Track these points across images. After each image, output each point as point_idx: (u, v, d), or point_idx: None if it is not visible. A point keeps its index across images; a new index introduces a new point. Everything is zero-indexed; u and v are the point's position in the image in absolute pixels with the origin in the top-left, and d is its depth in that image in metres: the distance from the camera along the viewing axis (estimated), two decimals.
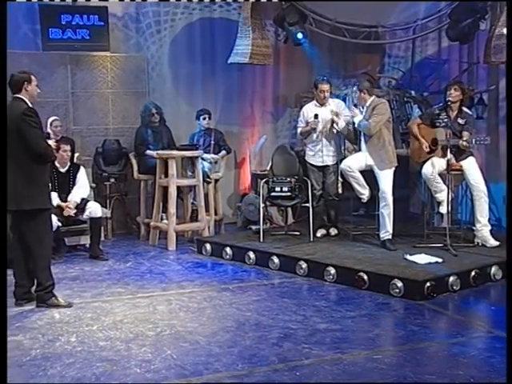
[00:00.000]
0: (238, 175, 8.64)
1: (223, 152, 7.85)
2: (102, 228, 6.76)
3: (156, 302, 4.89)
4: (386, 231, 6.07)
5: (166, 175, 6.92)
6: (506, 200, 5.27)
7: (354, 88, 6.29)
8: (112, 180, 7.53)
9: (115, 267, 6.11)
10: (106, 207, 7.20)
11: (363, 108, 6.25)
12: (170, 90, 8.21)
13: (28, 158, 4.62)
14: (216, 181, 7.72)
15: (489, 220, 6.14)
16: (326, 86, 6.56)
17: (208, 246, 6.59)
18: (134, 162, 7.52)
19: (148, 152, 7.36)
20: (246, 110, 8.67)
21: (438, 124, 6.18)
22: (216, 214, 7.66)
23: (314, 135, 6.60)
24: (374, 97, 6.27)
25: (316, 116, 6.50)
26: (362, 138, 6.24)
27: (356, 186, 6.23)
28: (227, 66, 7.95)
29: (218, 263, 6.25)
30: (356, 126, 6.24)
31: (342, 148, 6.76)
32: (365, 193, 6.23)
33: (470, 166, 6.08)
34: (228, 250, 6.38)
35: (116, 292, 5.22)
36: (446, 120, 6.08)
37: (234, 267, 6.08)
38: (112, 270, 6.01)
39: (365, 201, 6.31)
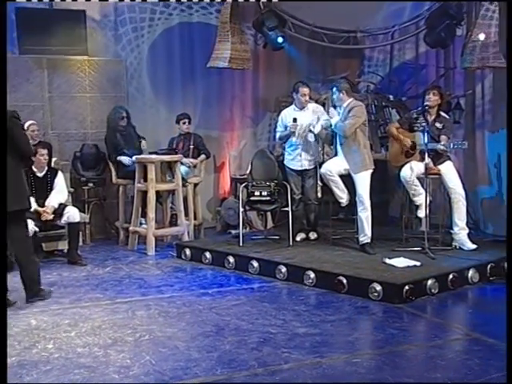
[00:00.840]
0: (217, 179, 8.64)
1: (202, 156, 7.84)
2: (80, 233, 6.72)
3: (135, 308, 4.86)
4: (365, 235, 6.10)
5: (145, 180, 6.89)
6: (506, 200, 5.33)
7: (334, 89, 6.26)
8: (90, 185, 7.49)
9: (93, 272, 6.06)
10: (84, 212, 7.15)
11: (341, 109, 6.27)
12: (149, 94, 8.19)
13: (13, 160, 4.62)
14: (195, 185, 7.71)
15: (466, 223, 6.20)
16: (306, 90, 6.58)
17: (187, 251, 6.57)
18: (112, 166, 7.47)
19: (120, 158, 7.31)
20: (226, 115, 8.67)
21: (416, 128, 6.23)
22: (195, 218, 7.64)
23: (294, 139, 6.61)
24: (352, 99, 6.29)
25: (295, 120, 6.51)
26: (338, 141, 6.26)
27: (335, 189, 6.23)
28: (206, 70, 7.95)
29: (197, 268, 6.23)
30: (332, 127, 6.25)
31: (321, 152, 6.77)
32: (344, 197, 6.25)
33: (448, 170, 6.14)
34: (207, 254, 6.36)
35: (94, 297, 5.18)
36: (424, 124, 6.13)
37: (214, 272, 6.07)
38: (90, 275, 5.96)
39: (344, 205, 6.33)
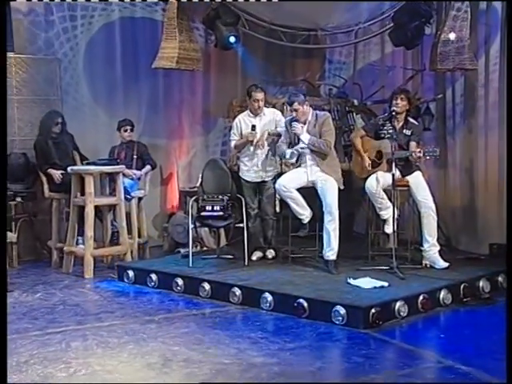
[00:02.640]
0: (164, 192, 8.61)
1: (147, 167, 7.80)
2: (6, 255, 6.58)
3: (69, 338, 4.76)
4: (331, 249, 6.09)
5: (83, 193, 6.80)
6: (506, 203, 5.44)
7: (295, 104, 6.21)
8: (18, 199, 7.34)
9: (21, 299, 5.92)
10: (10, 230, 7.03)
11: (304, 124, 6.27)
12: (87, 97, 8.11)
13: None
14: (140, 199, 7.66)
15: (438, 240, 6.29)
16: (259, 95, 6.58)
17: (130, 273, 6.51)
18: (44, 178, 7.35)
19: (51, 172, 7.22)
20: (173, 121, 8.66)
21: (382, 135, 6.31)
22: (140, 236, 7.59)
23: (252, 148, 6.61)
24: (311, 109, 6.34)
25: (253, 127, 6.52)
26: (308, 153, 6.24)
27: (294, 206, 6.23)
28: (151, 71, 7.92)
29: (141, 292, 6.18)
30: (307, 145, 6.17)
31: (279, 162, 6.79)
32: (305, 213, 6.26)
33: (417, 181, 6.23)
34: (153, 276, 6.32)
35: (21, 328, 5.03)
36: (391, 131, 6.22)
37: (160, 296, 6.02)
38: (17, 302, 5.82)
39: (305, 222, 6.34)
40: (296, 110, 6.21)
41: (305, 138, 6.18)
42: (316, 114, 6.29)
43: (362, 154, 6.37)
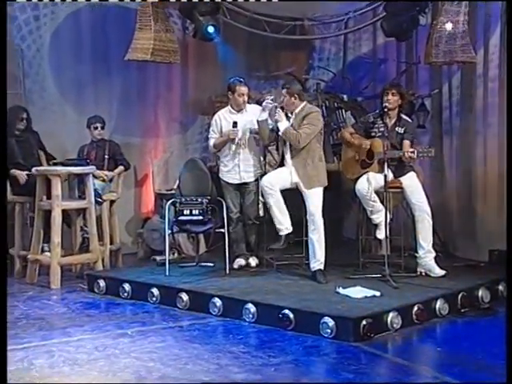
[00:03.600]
0: (138, 195, 8.62)
1: (120, 168, 7.79)
2: None
3: (33, 355, 4.69)
4: (317, 260, 6.13)
5: (49, 196, 6.77)
6: (506, 206, 5.47)
7: (284, 91, 6.27)
8: None
9: None
10: None
11: (291, 114, 6.30)
12: (53, 91, 8.09)
13: None
14: (112, 202, 7.63)
15: (433, 245, 6.31)
16: (244, 89, 6.62)
17: (102, 283, 6.49)
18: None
19: (14, 172, 7.15)
20: (149, 118, 8.68)
21: (373, 134, 6.34)
22: (112, 242, 7.57)
23: (233, 146, 6.62)
24: (305, 103, 6.35)
25: (235, 124, 6.53)
26: (288, 151, 6.29)
27: (275, 210, 6.19)
28: (124, 64, 7.90)
29: (113, 303, 6.16)
30: (281, 133, 6.26)
31: (263, 162, 6.79)
32: (284, 223, 6.21)
33: (411, 183, 6.25)
34: (126, 286, 6.30)
35: None
36: (382, 129, 6.24)
37: (134, 307, 6.00)
38: None
39: (283, 233, 6.24)
40: (290, 98, 6.26)
41: (282, 125, 6.22)
42: (306, 108, 6.29)
43: (354, 142, 6.36)
